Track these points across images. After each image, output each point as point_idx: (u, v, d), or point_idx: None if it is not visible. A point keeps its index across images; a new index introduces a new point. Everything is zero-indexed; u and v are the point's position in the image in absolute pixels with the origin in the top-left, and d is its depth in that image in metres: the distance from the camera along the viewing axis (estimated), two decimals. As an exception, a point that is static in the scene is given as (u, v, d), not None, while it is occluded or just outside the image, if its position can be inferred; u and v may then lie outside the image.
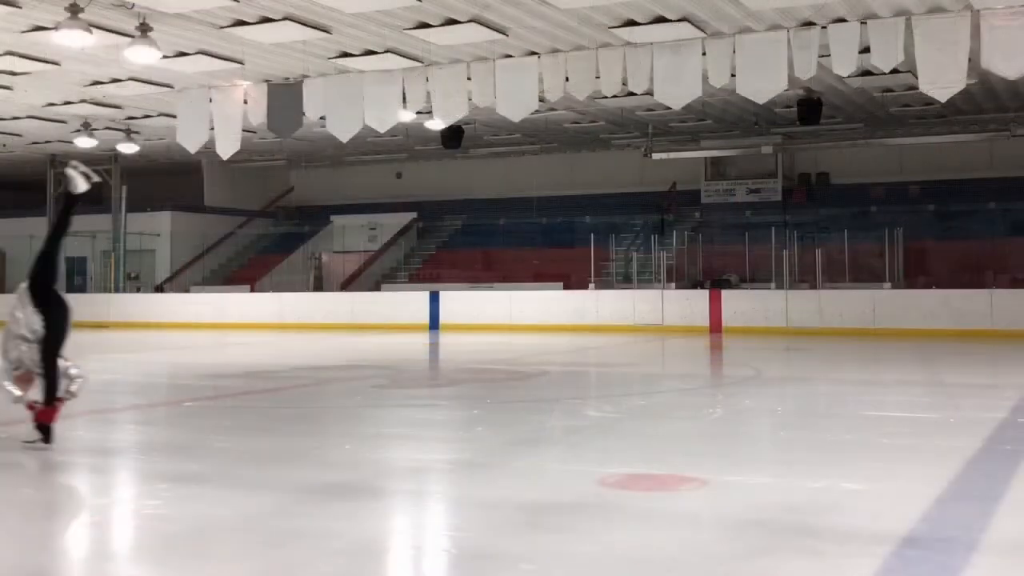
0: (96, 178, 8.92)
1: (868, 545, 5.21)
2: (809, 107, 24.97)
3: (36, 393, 8.12)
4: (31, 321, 8.22)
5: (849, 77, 20.41)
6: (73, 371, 8.46)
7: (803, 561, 5.00)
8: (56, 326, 8.38)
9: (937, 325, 23.88)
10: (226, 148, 23.09)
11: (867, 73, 21.51)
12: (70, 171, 8.75)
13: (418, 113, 23.48)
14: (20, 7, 17.17)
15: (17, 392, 8.15)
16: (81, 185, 8.76)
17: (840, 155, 33.25)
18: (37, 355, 8.17)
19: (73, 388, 8.39)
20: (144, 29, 17.63)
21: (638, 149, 32.04)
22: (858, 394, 12.79)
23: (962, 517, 5.86)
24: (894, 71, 19.84)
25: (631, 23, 18.00)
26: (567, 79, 20.28)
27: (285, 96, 22.40)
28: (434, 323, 29.14)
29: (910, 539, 5.30)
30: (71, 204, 9.03)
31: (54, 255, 8.83)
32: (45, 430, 8.07)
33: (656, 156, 30.20)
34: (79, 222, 34.03)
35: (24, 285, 8.46)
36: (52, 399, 8.13)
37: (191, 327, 30.94)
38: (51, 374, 8.16)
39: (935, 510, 5.96)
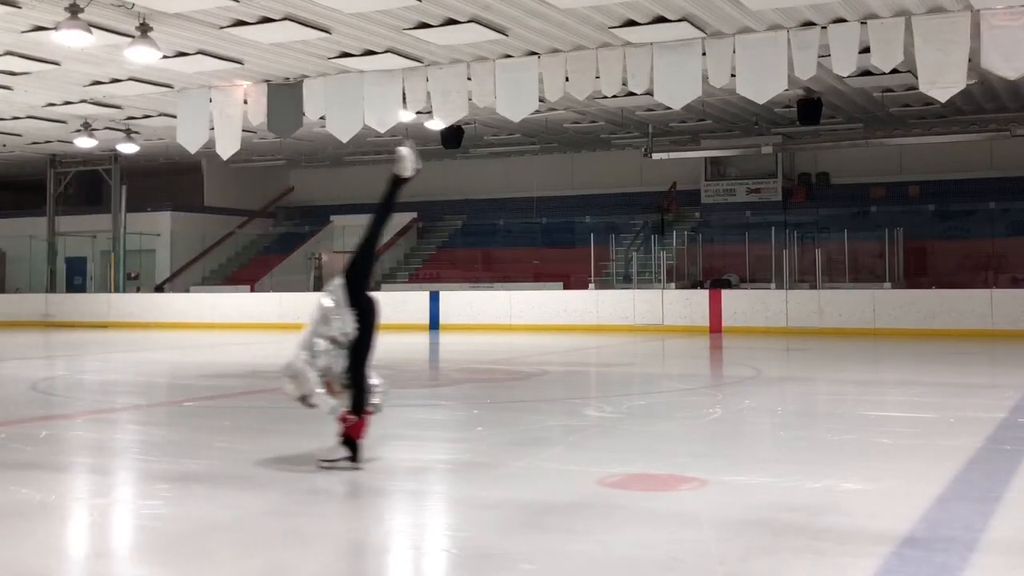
0: (420, 166, 7.96)
1: (868, 545, 5.20)
2: (809, 107, 24.97)
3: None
4: (345, 323, 7.42)
5: (849, 77, 20.42)
6: (375, 380, 7.63)
7: (803, 561, 4.99)
8: (369, 330, 7.57)
9: (937, 325, 23.89)
10: (226, 148, 23.10)
11: (867, 73, 21.51)
12: (404, 150, 7.90)
13: (418, 113, 23.47)
14: (20, 7, 17.17)
15: (332, 401, 7.33)
16: (410, 168, 7.84)
17: (840, 155, 33.26)
18: (345, 361, 7.40)
19: (376, 400, 7.55)
20: (144, 29, 17.64)
21: (638, 149, 32.04)
22: (858, 394, 12.79)
23: (962, 517, 5.85)
24: (894, 71, 19.85)
25: (631, 23, 17.99)
26: (567, 79, 20.28)
27: (285, 96, 22.41)
28: (434, 323, 29.13)
29: (910, 539, 5.29)
30: (397, 188, 7.96)
31: (375, 247, 8.07)
32: (354, 447, 7.29)
33: (656, 156, 30.15)
34: (79, 223, 34.18)
35: (341, 281, 7.62)
36: (361, 411, 7.37)
37: (191, 327, 30.96)
38: (362, 383, 7.43)
39: (935, 510, 5.94)
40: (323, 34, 18.71)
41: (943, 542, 5.27)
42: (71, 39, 17.12)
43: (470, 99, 21.15)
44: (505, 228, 36.86)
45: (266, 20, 17.98)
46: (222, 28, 18.42)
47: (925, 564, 4.90)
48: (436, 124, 25.47)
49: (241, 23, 18.15)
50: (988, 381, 14.97)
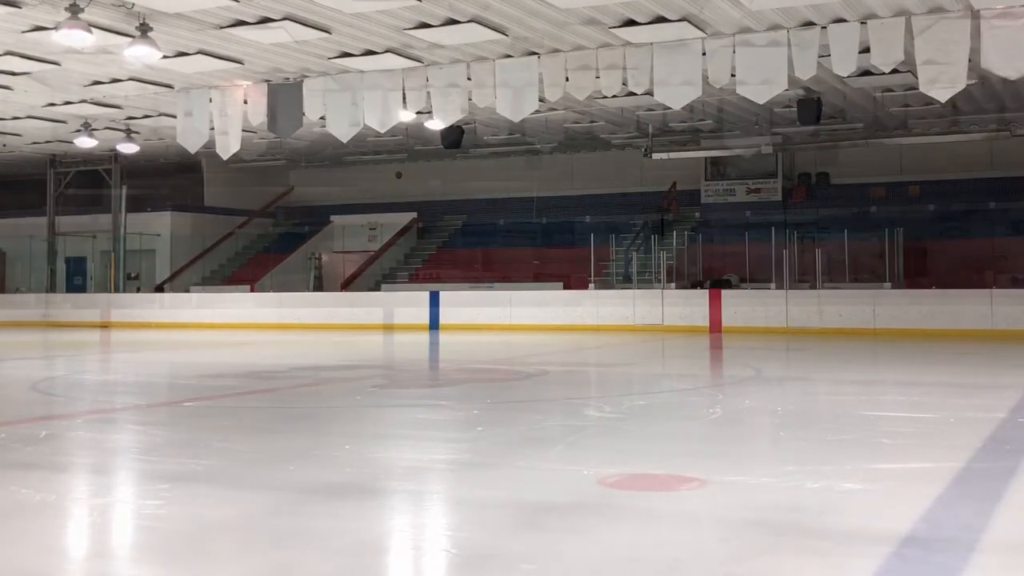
0: None
1: (868, 545, 5.17)
2: (809, 107, 24.93)
3: None
4: None
5: (849, 77, 20.40)
6: None
7: (803, 561, 4.96)
8: None
9: (937, 325, 23.86)
10: (226, 148, 23.10)
11: (867, 73, 21.48)
12: None
13: (418, 113, 23.46)
14: (20, 7, 17.18)
15: None
16: None
17: (840, 155, 33.23)
18: None
19: None
20: (144, 29, 17.64)
21: (638, 149, 32.01)
22: (858, 394, 12.76)
23: (962, 517, 5.80)
24: (894, 71, 19.82)
25: (631, 23, 17.98)
26: (567, 79, 20.27)
27: (285, 96, 22.39)
28: (434, 323, 29.11)
29: (910, 539, 5.25)
30: None
31: None
32: None
33: (656, 156, 30.15)
34: (79, 223, 34.26)
35: None
36: None
37: (191, 327, 30.93)
38: None
39: (935, 510, 5.90)
40: (323, 34, 18.69)
41: (943, 542, 5.23)
42: (71, 39, 17.11)
43: (470, 99, 21.15)
44: (505, 228, 36.85)
45: (266, 20, 17.98)
46: (222, 28, 18.42)
47: (925, 564, 4.86)
48: (436, 124, 25.42)
49: (241, 23, 18.15)
50: (988, 381, 14.93)
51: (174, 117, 24.48)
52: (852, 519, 5.74)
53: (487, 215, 37.58)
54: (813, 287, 27.14)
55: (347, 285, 34.50)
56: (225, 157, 23.77)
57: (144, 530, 5.89)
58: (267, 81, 22.51)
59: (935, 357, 18.42)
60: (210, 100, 23.14)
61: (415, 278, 35.79)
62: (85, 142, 28.71)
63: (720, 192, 34.61)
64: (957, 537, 5.34)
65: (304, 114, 22.54)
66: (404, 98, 21.50)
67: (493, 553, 5.18)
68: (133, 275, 37.96)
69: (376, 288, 34.47)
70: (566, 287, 30.66)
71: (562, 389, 13.92)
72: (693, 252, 31.84)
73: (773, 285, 28.01)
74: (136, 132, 29.45)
